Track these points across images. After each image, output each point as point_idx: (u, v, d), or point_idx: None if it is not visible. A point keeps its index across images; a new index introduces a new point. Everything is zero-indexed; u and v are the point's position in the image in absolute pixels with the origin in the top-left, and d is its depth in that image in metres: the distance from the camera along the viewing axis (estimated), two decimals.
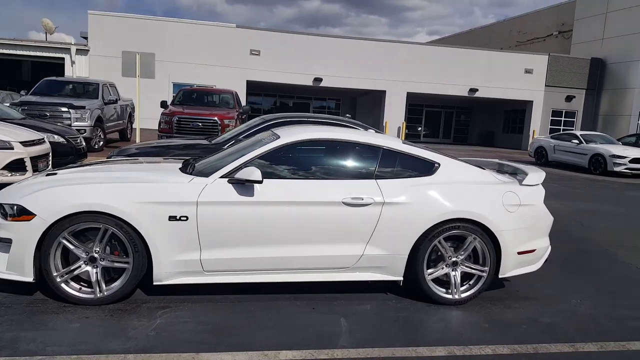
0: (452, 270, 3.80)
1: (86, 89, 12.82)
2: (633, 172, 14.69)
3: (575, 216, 7.85)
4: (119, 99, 14.33)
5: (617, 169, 14.54)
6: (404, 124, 25.42)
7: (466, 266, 3.82)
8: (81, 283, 3.47)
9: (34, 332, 2.99)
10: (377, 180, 3.72)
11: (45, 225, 3.25)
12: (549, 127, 26.67)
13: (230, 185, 3.49)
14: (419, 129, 31.77)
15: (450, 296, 3.79)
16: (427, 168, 3.87)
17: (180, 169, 3.83)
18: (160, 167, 3.97)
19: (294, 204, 3.52)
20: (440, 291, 3.79)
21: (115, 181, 3.44)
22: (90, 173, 3.71)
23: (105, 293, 3.42)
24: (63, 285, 3.39)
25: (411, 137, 31.33)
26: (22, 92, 13.50)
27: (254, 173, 3.40)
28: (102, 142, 12.14)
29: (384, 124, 25.23)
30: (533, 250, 3.94)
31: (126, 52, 11.15)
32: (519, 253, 3.87)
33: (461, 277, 3.85)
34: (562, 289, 4.32)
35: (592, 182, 13.02)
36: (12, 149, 6.44)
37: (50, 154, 7.33)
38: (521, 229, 3.84)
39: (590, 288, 4.39)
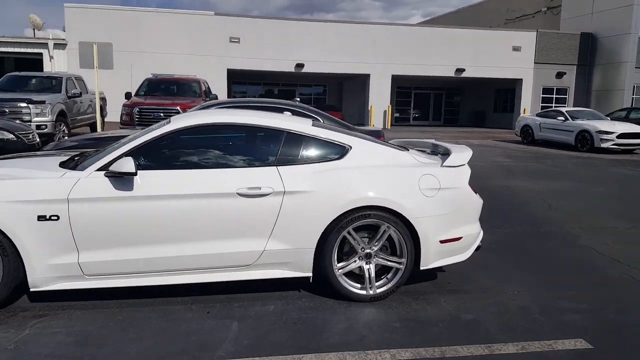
0: (366, 264, 3.43)
1: (50, 84, 12.42)
2: (622, 147, 14.24)
3: (546, 197, 7.45)
4: (87, 92, 13.94)
5: (604, 145, 14.08)
6: (390, 108, 24.91)
7: (382, 258, 3.44)
8: None
9: None
10: (279, 167, 3.34)
11: None
12: (540, 104, 26.09)
13: (107, 179, 3.11)
14: (411, 112, 31.25)
15: (364, 292, 3.42)
16: (336, 152, 3.48)
17: (61, 162, 3.46)
18: (38, 161, 3.59)
19: (182, 197, 3.15)
20: (353, 287, 3.42)
21: None
22: None
23: None
24: None
25: (401, 120, 30.85)
26: None
27: (127, 164, 3.02)
28: (66, 137, 11.75)
29: (369, 109, 24.73)
30: (459, 239, 3.56)
31: (83, 42, 10.71)
32: (442, 242, 3.49)
33: (380, 270, 3.50)
34: (502, 279, 3.95)
35: (575, 160, 12.59)
36: None
37: None
38: (442, 215, 3.46)
39: (534, 277, 4.01)
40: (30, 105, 10.89)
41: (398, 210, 3.33)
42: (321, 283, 3.47)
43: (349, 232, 3.34)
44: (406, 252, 3.41)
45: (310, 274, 3.39)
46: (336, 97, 29.98)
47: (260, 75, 26.78)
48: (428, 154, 4.02)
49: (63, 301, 3.32)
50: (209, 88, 13.81)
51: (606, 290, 3.75)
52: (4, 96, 11.18)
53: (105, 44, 10.84)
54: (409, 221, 3.35)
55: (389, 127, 25.22)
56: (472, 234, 3.63)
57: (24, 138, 8.29)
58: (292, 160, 3.39)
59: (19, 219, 2.99)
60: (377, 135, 6.50)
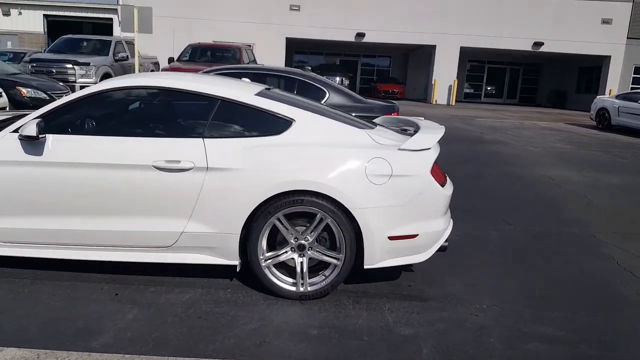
0: (299, 256, 2.97)
1: (99, 46, 12.77)
2: None
3: (590, 192, 6.45)
4: (140, 56, 14.21)
5: None
6: (456, 83, 23.40)
7: (317, 252, 2.97)
8: None
9: None
10: (206, 139, 2.93)
11: None
12: (630, 86, 23.31)
13: (19, 141, 2.89)
14: (484, 87, 29.31)
15: (293, 288, 2.98)
16: (277, 126, 3.01)
17: None
18: None
19: (92, 166, 2.86)
20: (283, 281, 2.99)
21: None
22: None
23: None
24: None
25: (472, 97, 29.07)
26: (41, 50, 13.77)
27: (29, 127, 2.78)
28: None
29: (433, 82, 23.40)
30: (414, 236, 2.98)
31: (124, 6, 10.82)
32: (392, 238, 2.94)
33: (319, 264, 3.04)
34: (478, 287, 3.33)
35: None
36: None
37: (7, 108, 7.22)
38: (393, 207, 2.90)
39: (521, 289, 3.34)
40: (75, 67, 11.25)
41: (336, 198, 2.83)
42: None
43: (279, 219, 2.90)
44: (344, 246, 2.91)
45: (237, 262, 3.00)
46: (401, 69, 28.72)
47: (321, 45, 26.20)
48: (407, 134, 3.43)
49: None
50: (254, 56, 13.58)
51: (603, 314, 3.03)
52: (53, 57, 11.66)
53: (145, 8, 10.86)
54: (349, 211, 2.85)
55: (453, 103, 23.79)
56: (433, 231, 3.04)
57: (55, 98, 8.54)
58: (223, 132, 2.97)
59: None
60: (389, 110, 5.89)
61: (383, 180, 2.88)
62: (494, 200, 5.67)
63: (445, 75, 23.35)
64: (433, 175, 2.99)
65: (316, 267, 3.04)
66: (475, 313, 2.96)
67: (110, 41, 12.77)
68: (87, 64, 11.41)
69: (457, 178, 6.37)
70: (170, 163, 2.86)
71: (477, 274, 3.55)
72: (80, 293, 2.94)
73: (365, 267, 2.97)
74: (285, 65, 23.92)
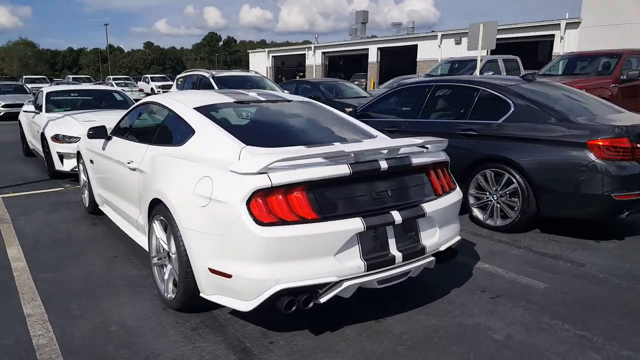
0: (169, 263, 3.28)
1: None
2: None
3: None
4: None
5: None
6: None
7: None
8: None
9: None
10: (151, 145, 3.71)
11: None
12: None
13: (102, 140, 4.67)
14: None
15: (165, 294, 3.32)
16: (184, 136, 3.44)
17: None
18: None
19: (110, 159, 4.33)
20: (162, 281, 3.39)
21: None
22: None
23: None
24: None
25: None
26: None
27: (92, 130, 4.53)
28: None
29: None
30: (228, 276, 2.69)
31: (473, 24, 11.14)
32: (212, 271, 2.78)
33: None
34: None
35: None
36: None
37: None
38: (210, 234, 2.75)
39: None
40: None
41: (170, 211, 3.02)
42: None
43: (155, 221, 3.33)
44: (177, 263, 3.02)
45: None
46: None
47: None
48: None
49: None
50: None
51: None
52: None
53: (491, 22, 10.83)
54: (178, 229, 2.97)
55: None
56: (249, 278, 2.62)
57: None
58: (161, 140, 3.72)
59: (85, 158, 5.05)
60: (603, 135, 4.11)
61: (204, 203, 2.77)
62: None
63: None
64: (255, 208, 2.56)
65: None
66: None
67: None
68: None
69: None
70: (130, 163, 3.83)
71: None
72: (104, 249, 4.38)
73: (200, 294, 2.93)
74: None
